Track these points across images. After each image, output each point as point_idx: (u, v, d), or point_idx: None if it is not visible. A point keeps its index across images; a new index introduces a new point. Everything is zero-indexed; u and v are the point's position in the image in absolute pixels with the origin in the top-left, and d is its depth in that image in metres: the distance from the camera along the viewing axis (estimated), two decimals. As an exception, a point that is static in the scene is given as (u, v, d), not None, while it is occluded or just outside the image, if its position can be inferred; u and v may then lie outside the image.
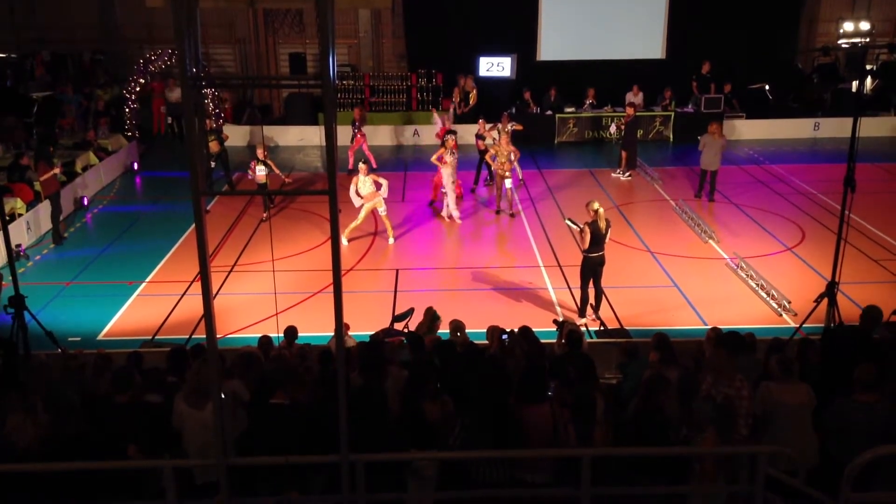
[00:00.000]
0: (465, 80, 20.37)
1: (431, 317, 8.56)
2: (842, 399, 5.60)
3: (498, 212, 14.84)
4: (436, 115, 18.13)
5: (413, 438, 5.33)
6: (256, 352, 7.41)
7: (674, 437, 5.56)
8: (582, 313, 10.38)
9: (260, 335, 8.28)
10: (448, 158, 14.03)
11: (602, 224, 9.89)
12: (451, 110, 19.54)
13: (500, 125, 15.82)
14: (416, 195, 15.47)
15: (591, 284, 10.29)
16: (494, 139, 16.01)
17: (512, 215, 14.75)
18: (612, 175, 17.35)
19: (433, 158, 14.23)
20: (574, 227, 10.30)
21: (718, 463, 5.13)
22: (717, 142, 15.13)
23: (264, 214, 14.49)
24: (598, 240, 9.93)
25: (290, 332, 8.28)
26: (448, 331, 8.25)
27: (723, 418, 5.19)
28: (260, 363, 6.72)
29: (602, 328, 10.16)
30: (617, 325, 10.24)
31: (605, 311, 10.58)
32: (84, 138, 17.36)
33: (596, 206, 9.99)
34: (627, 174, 17.19)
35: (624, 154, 17.24)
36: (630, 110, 17.27)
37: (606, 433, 5.50)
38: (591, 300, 10.45)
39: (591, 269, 10.14)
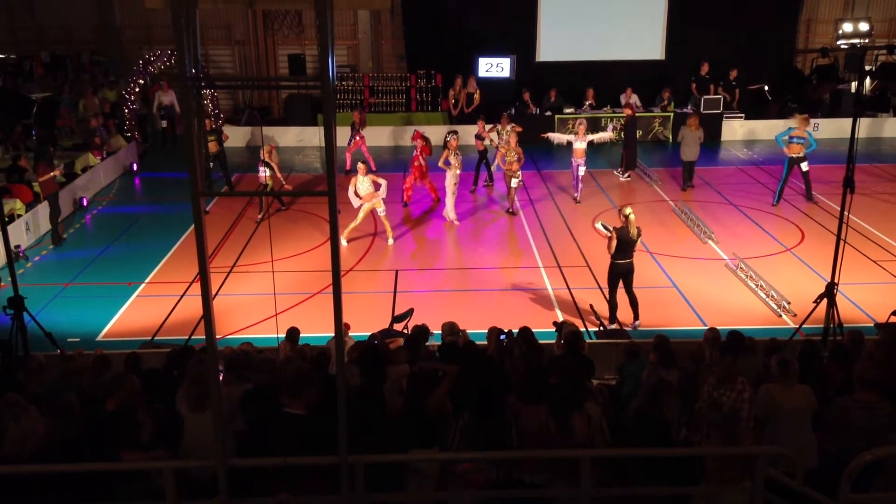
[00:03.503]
0: (465, 81, 20.37)
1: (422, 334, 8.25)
2: (842, 398, 5.60)
3: (511, 212, 14.89)
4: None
5: (415, 436, 5.33)
6: (250, 350, 7.40)
7: (674, 438, 5.56)
8: (612, 319, 10.29)
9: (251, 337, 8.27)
10: (452, 160, 14.04)
11: (633, 231, 9.76)
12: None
13: (499, 126, 15.84)
14: (415, 196, 15.48)
15: (618, 292, 10.17)
16: (492, 140, 16.02)
17: (512, 213, 14.81)
18: (615, 173, 17.42)
19: (440, 163, 14.22)
20: (604, 231, 10.21)
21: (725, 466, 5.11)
22: (694, 133, 15.96)
23: (259, 216, 14.49)
24: (625, 246, 9.80)
25: (292, 333, 8.27)
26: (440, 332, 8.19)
27: (729, 426, 5.17)
28: (253, 362, 6.72)
29: (601, 329, 10.15)
30: (616, 327, 10.24)
31: (603, 311, 10.60)
32: (91, 141, 17.30)
33: (628, 212, 9.86)
34: (626, 175, 17.22)
35: (623, 154, 17.29)
36: (628, 110, 17.37)
37: (590, 427, 5.46)
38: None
39: (618, 275, 10.03)
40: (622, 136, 17.72)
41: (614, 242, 9.76)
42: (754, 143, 20.52)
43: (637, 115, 19.43)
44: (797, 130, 14.68)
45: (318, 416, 5.21)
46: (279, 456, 4.71)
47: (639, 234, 9.88)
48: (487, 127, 16.20)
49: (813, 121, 20.90)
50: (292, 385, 5.27)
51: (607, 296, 10.32)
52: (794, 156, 14.76)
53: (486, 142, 16.11)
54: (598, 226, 10.45)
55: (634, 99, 20.60)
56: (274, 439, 5.07)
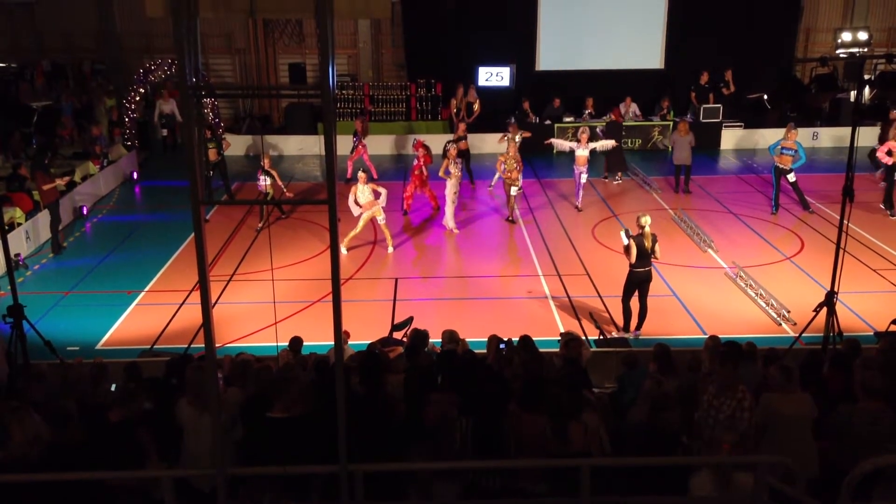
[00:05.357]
0: (466, 90, 20.40)
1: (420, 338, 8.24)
2: (846, 406, 5.59)
3: (510, 220, 14.91)
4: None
5: (413, 442, 5.33)
6: (250, 359, 7.40)
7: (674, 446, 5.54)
8: (624, 328, 10.27)
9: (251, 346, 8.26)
10: (452, 169, 14.07)
11: (647, 242, 9.75)
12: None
13: (509, 135, 15.88)
14: (415, 204, 15.49)
15: (634, 299, 10.16)
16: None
17: (512, 221, 14.84)
18: (604, 182, 17.53)
19: (440, 172, 14.22)
20: (625, 239, 10.18)
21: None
22: (684, 138, 16.27)
23: (259, 225, 14.49)
24: (642, 254, 9.78)
25: (295, 343, 8.26)
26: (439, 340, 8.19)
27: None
28: (251, 371, 6.72)
29: (602, 338, 10.14)
30: (617, 335, 10.23)
31: (605, 320, 10.59)
32: (91, 149, 17.31)
33: (643, 221, 9.84)
34: (605, 175, 17.54)
35: (606, 159, 17.52)
36: (613, 115, 17.88)
37: (587, 434, 5.44)
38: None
39: (635, 283, 10.00)
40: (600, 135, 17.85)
41: (633, 250, 9.73)
42: (753, 152, 20.55)
43: (637, 123, 19.55)
44: (786, 141, 14.68)
45: (301, 419, 5.24)
46: (268, 460, 4.73)
47: (653, 243, 9.82)
48: (497, 136, 16.39)
49: (812, 130, 21.04)
50: (271, 390, 5.33)
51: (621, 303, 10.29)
52: (780, 166, 14.78)
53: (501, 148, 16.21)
54: (622, 234, 10.38)
55: (634, 108, 20.66)
56: (258, 444, 5.12)
